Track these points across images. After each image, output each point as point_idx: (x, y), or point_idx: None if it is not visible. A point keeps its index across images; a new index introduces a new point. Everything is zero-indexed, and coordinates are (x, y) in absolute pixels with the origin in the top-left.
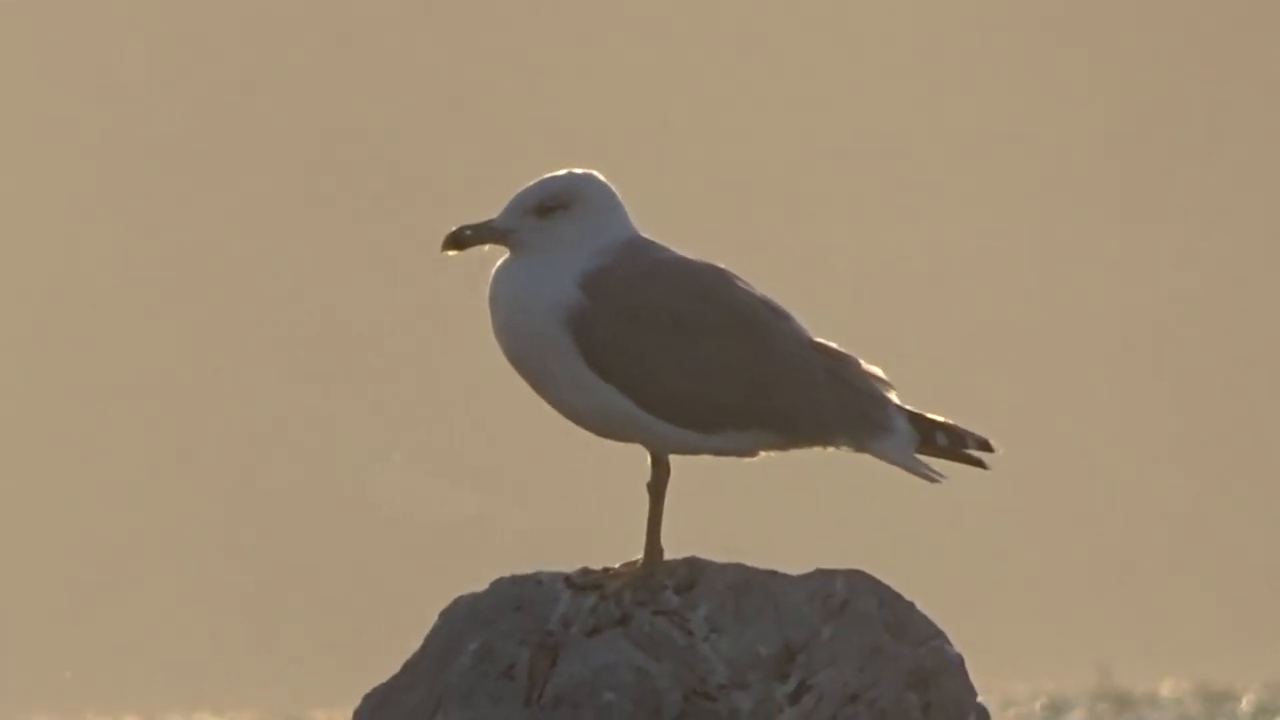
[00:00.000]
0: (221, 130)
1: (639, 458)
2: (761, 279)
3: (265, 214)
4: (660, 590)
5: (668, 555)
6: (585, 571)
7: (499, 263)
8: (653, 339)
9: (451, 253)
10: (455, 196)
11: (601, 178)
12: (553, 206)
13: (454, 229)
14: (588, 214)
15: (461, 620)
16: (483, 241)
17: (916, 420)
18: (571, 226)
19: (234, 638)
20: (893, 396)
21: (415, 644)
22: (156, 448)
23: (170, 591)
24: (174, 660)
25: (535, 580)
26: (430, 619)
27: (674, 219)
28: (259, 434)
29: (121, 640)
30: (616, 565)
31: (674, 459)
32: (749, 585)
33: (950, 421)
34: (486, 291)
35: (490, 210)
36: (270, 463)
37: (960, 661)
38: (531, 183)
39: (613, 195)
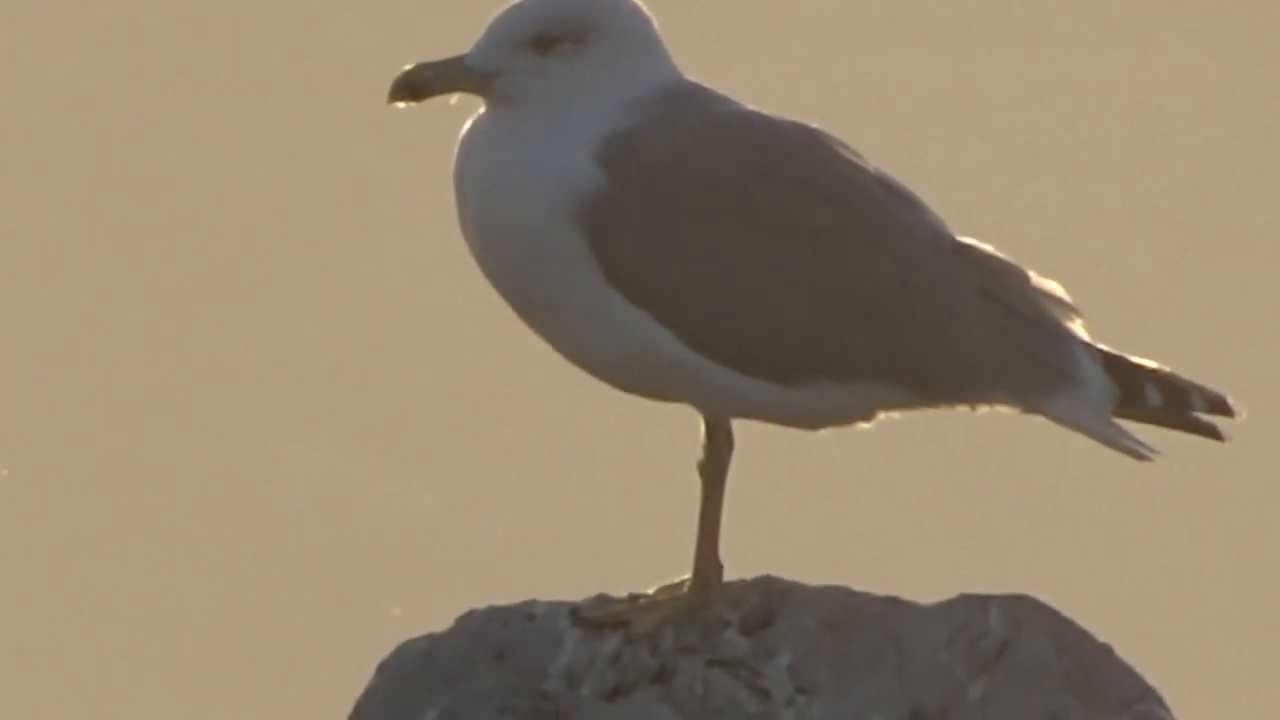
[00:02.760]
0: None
1: (687, 423)
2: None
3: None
4: (719, 629)
5: (730, 574)
6: (602, 600)
7: (470, 122)
8: (707, 239)
9: (403, 104)
10: (398, 33)
11: None
12: (558, 36)
13: (407, 68)
14: (610, 48)
15: (412, 676)
16: (451, 89)
17: (1116, 367)
18: (586, 67)
19: (81, 684)
20: (1079, 330)
21: (341, 712)
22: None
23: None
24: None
25: (524, 614)
26: (364, 674)
27: (710, 53)
28: (130, 401)
29: None
30: (650, 590)
31: (740, 426)
32: (856, 620)
33: (1167, 369)
34: (451, 167)
35: (456, 44)
36: (142, 435)
37: None
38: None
39: (645, 18)
